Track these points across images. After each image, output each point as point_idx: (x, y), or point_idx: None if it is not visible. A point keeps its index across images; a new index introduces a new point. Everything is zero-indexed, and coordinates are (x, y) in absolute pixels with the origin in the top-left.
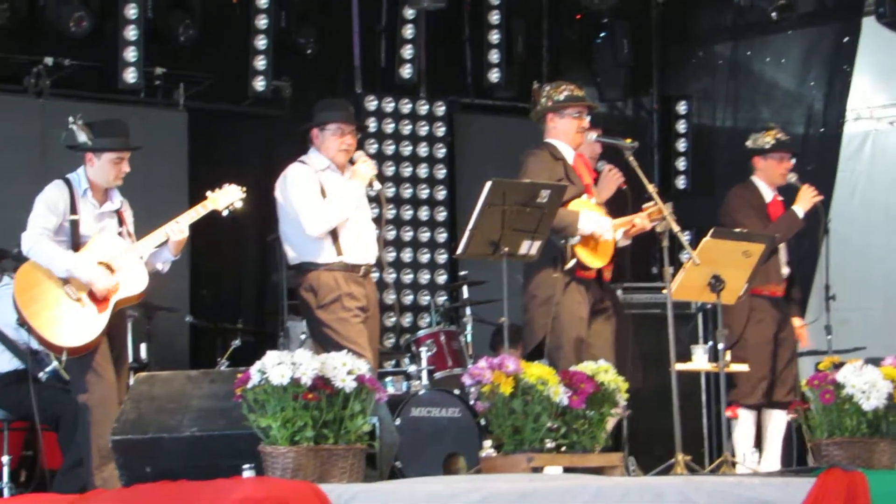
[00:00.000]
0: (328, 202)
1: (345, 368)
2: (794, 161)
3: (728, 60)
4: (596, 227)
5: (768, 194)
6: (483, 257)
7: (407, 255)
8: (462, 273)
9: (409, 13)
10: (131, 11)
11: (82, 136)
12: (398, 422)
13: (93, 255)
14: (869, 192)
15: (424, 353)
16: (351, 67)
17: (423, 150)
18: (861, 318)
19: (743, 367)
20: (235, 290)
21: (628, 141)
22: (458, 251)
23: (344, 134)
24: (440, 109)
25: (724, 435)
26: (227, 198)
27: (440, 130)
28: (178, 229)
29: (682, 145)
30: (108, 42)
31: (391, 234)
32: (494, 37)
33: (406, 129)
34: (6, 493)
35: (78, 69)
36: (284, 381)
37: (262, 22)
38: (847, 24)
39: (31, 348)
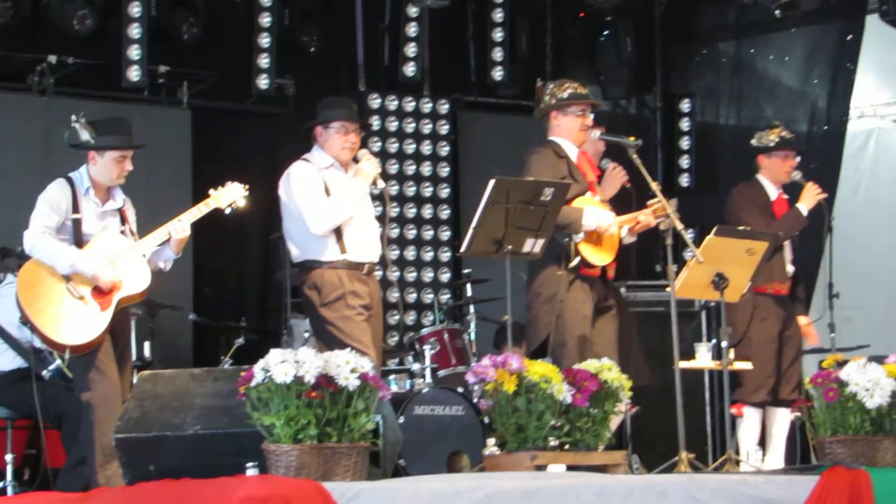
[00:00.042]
0: (332, 200)
1: (348, 366)
2: (798, 159)
3: (731, 58)
4: (600, 221)
5: (773, 192)
6: (486, 255)
7: (410, 254)
8: (465, 271)
9: (413, 11)
10: (135, 9)
11: (85, 135)
12: (402, 420)
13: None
14: (872, 190)
15: (428, 352)
16: (354, 65)
17: (426, 148)
18: (864, 316)
19: (746, 366)
20: (239, 288)
21: (632, 139)
22: (462, 249)
23: (348, 132)
24: (443, 107)
25: (728, 433)
26: (230, 196)
27: (444, 128)
28: (179, 227)
29: (685, 143)
30: (112, 40)
31: (395, 233)
32: (498, 35)
33: (409, 127)
34: (10, 491)
35: (81, 67)
36: (288, 380)
37: (265, 20)
38: (850, 21)
39: (34, 346)
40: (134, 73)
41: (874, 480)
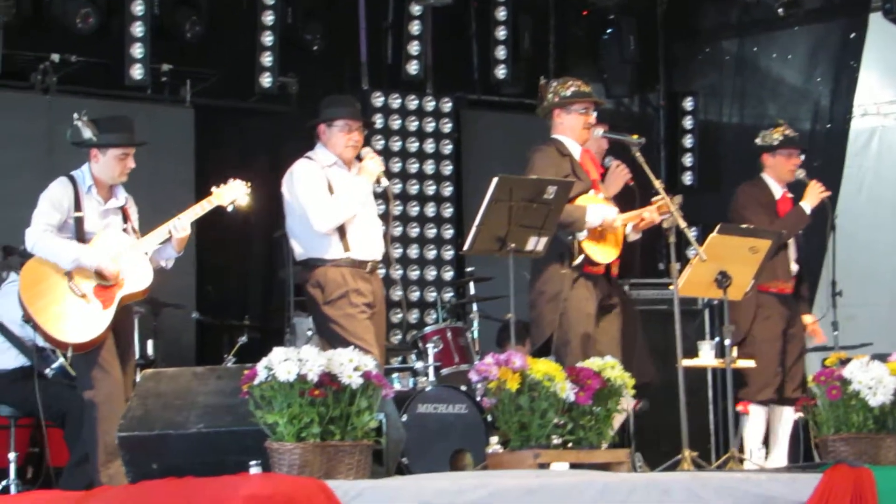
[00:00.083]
0: (336, 198)
1: (351, 365)
2: (802, 157)
3: (734, 57)
4: (604, 217)
5: (777, 191)
6: (489, 253)
7: (413, 252)
8: (468, 269)
9: (416, 9)
10: (138, 8)
11: (87, 133)
12: (405, 418)
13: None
14: (876, 188)
15: (431, 350)
16: (357, 64)
17: (429, 146)
18: (868, 315)
19: (749, 364)
20: (242, 286)
21: (635, 137)
22: (465, 247)
23: (351, 130)
24: (447, 106)
25: (731, 431)
26: (232, 193)
27: (446, 127)
28: (180, 226)
29: (688, 141)
30: (115, 38)
31: (398, 231)
32: (501, 33)
33: (412, 125)
34: (13, 489)
35: (84, 66)
36: (291, 378)
37: (268, 18)
38: (854, 19)
39: (36, 345)
40: (137, 72)
41: (877, 478)
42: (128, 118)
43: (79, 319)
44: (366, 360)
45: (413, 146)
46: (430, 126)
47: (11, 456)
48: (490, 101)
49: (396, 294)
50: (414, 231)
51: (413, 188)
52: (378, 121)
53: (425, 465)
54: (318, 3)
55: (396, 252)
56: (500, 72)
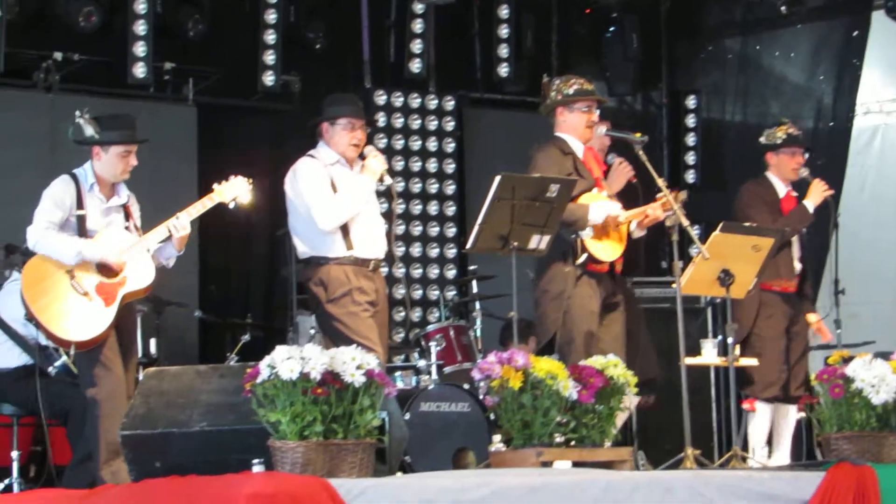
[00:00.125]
0: (340, 196)
1: (354, 363)
2: (807, 156)
3: (737, 55)
4: (608, 212)
5: (782, 190)
6: (492, 252)
7: (416, 250)
8: (471, 268)
9: (419, 8)
10: (140, 6)
11: (89, 130)
12: (407, 416)
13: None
14: (878, 187)
15: (434, 348)
16: (360, 62)
17: (432, 144)
18: (870, 313)
19: (752, 362)
20: (244, 284)
21: (638, 135)
22: (468, 246)
23: (354, 128)
24: (449, 104)
25: (734, 429)
26: (234, 190)
27: (449, 125)
28: (179, 225)
29: (691, 140)
30: (118, 37)
31: (400, 229)
32: (504, 31)
33: (415, 123)
34: (16, 488)
35: (87, 64)
36: (294, 376)
37: (271, 17)
38: (856, 18)
39: (39, 343)
40: (139, 70)
41: (880, 476)
42: (130, 116)
43: (81, 317)
44: (368, 359)
45: (416, 144)
46: (432, 124)
47: (14, 454)
48: (493, 99)
49: (399, 292)
50: (417, 229)
51: (416, 186)
52: (381, 119)
53: (428, 464)
54: (321, 1)
55: (399, 250)
56: (503, 70)
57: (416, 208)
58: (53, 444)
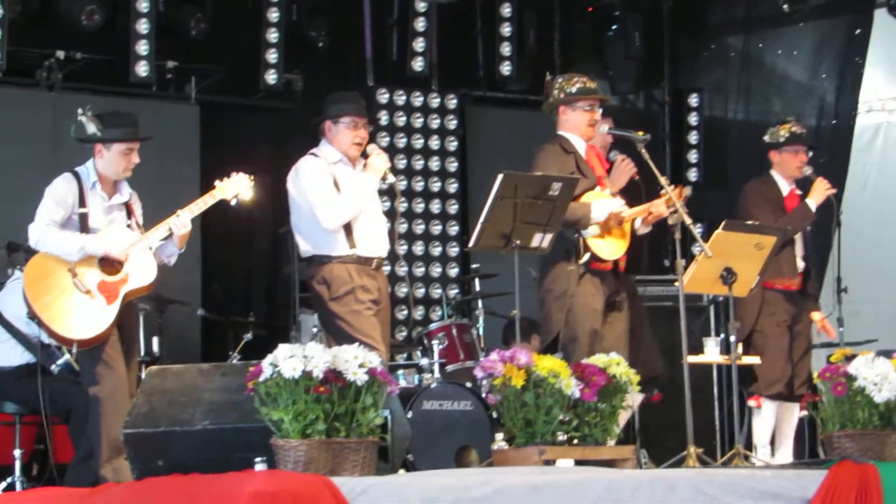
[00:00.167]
0: (344, 195)
1: (356, 361)
2: (810, 154)
3: (740, 53)
4: (611, 209)
5: (785, 188)
6: (495, 250)
7: (419, 248)
8: (474, 266)
9: (421, 6)
10: (143, 5)
11: (91, 128)
12: (410, 415)
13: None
14: (881, 185)
15: (436, 346)
16: (362, 60)
17: (434, 143)
18: (873, 311)
19: (755, 360)
20: (247, 283)
21: (640, 133)
22: (470, 244)
23: (357, 127)
24: (452, 102)
25: (737, 427)
26: (235, 187)
27: (452, 123)
28: (179, 223)
29: (693, 138)
30: (120, 35)
31: (403, 227)
32: (506, 30)
33: (418, 122)
34: (18, 486)
35: (89, 63)
36: (296, 375)
37: (273, 15)
38: (859, 16)
39: (41, 341)
40: (142, 69)
41: (882, 475)
42: (132, 113)
43: (83, 315)
44: (371, 357)
45: (418, 143)
46: (435, 123)
47: (17, 453)
48: (495, 97)
49: (402, 291)
50: (419, 228)
51: (418, 185)
52: (383, 117)
53: (430, 462)
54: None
55: (402, 249)
56: (505, 68)
57: (419, 207)
58: (56, 442)
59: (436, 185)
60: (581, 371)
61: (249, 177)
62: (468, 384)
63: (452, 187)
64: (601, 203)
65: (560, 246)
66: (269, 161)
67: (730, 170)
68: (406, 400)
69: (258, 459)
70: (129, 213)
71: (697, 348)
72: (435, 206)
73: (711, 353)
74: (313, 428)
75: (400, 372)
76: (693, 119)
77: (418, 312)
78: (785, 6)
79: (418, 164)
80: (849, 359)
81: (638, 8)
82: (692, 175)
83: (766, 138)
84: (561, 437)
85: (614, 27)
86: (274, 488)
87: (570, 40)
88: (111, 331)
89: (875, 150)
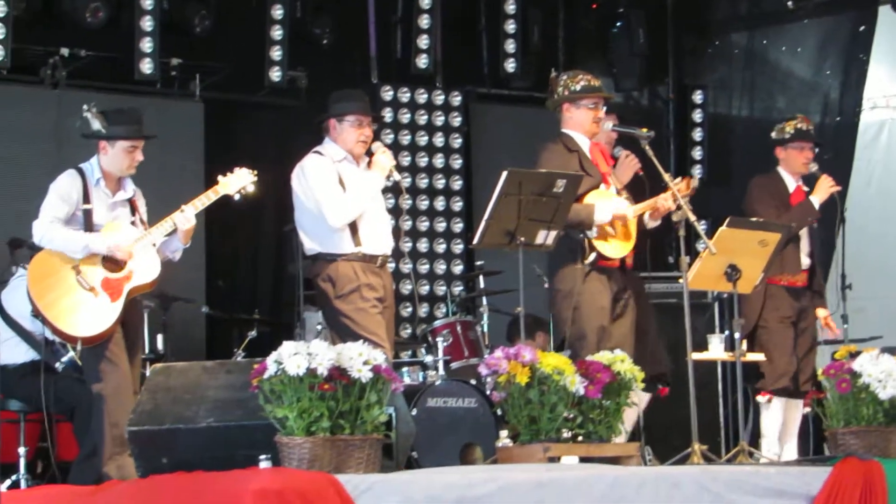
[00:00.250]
0: (349, 193)
1: (361, 359)
2: (817, 150)
3: (744, 49)
4: (614, 211)
5: (792, 184)
6: (499, 247)
7: (423, 245)
8: (478, 263)
9: (425, 3)
10: (147, 2)
11: (96, 124)
12: (414, 412)
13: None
14: (885, 181)
15: (441, 344)
16: (367, 58)
17: (439, 140)
18: (877, 308)
19: (759, 357)
20: (251, 280)
21: (644, 130)
22: (475, 241)
23: (362, 125)
24: (456, 99)
25: (741, 424)
26: (239, 182)
27: (456, 120)
28: (183, 218)
29: (697, 135)
30: (124, 33)
31: (407, 224)
32: (510, 26)
33: (422, 119)
34: (23, 484)
35: (94, 60)
36: (301, 372)
37: (277, 12)
38: (863, 12)
39: (46, 339)
40: (146, 66)
41: (887, 471)
42: (137, 110)
43: (88, 313)
44: (375, 354)
45: (422, 140)
46: (439, 120)
47: (21, 450)
48: (499, 94)
49: (406, 288)
50: (423, 225)
51: (423, 182)
52: (387, 115)
53: (435, 459)
54: None
55: (406, 246)
56: (510, 65)
57: (423, 204)
58: (60, 439)
59: (440, 182)
60: (585, 368)
61: (252, 171)
62: (472, 381)
63: (457, 184)
64: (605, 204)
65: (566, 246)
66: (274, 158)
67: (734, 166)
68: (410, 397)
69: (262, 457)
70: (133, 210)
71: (702, 345)
72: (439, 203)
73: (716, 349)
74: (318, 425)
75: (404, 369)
76: (697, 116)
77: (423, 309)
78: (789, 3)
79: (422, 161)
80: (853, 355)
81: (642, 4)
82: (696, 172)
83: (773, 135)
84: (565, 434)
85: (618, 24)
86: (278, 486)
87: (575, 37)
88: (115, 328)
89: (879, 147)
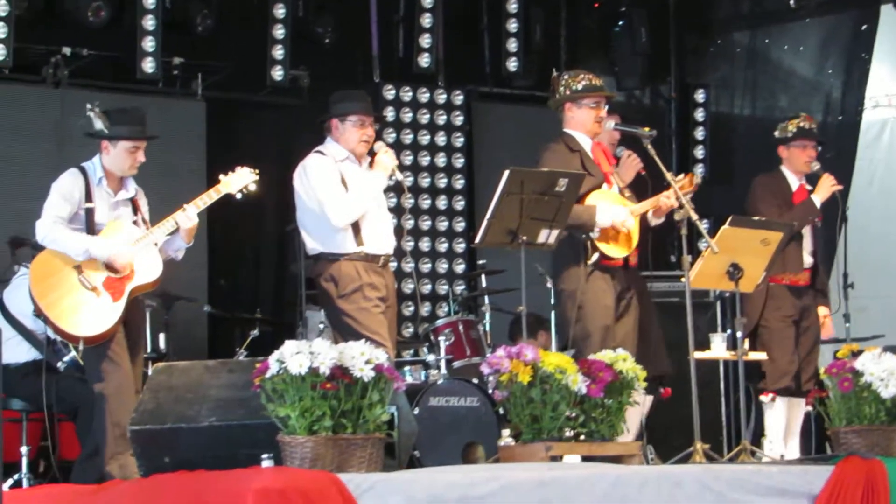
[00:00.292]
0: (352, 193)
1: (363, 358)
2: (819, 149)
3: (746, 48)
4: (614, 218)
5: (795, 183)
6: (501, 246)
7: (425, 245)
8: (480, 262)
9: (427, 2)
10: (149, 1)
11: (99, 124)
12: (416, 411)
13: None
14: (887, 180)
15: (443, 343)
16: (369, 57)
17: (441, 139)
18: (879, 306)
19: (761, 356)
20: (254, 279)
21: (646, 129)
22: (477, 240)
23: (364, 125)
24: (458, 98)
25: (743, 423)
26: (241, 181)
27: (458, 119)
28: (185, 217)
29: (699, 134)
30: (126, 32)
31: (409, 224)
32: (512, 25)
33: (424, 118)
34: (25, 483)
35: (96, 59)
36: (303, 371)
37: (279, 11)
38: (865, 11)
39: (48, 338)
40: (148, 65)
41: (889, 470)
42: (140, 110)
43: (90, 312)
44: (377, 353)
45: (424, 139)
46: (441, 119)
47: (23, 450)
48: (501, 93)
49: (408, 287)
50: (425, 224)
51: (425, 181)
52: (389, 114)
53: (437, 458)
54: None
55: (408, 245)
56: (512, 64)
57: (425, 203)
58: (62, 439)
59: (442, 182)
60: (588, 367)
61: (254, 171)
62: (475, 380)
63: (459, 183)
64: (607, 209)
65: (569, 246)
66: (276, 157)
67: (736, 165)
68: (412, 396)
69: (265, 456)
70: (135, 209)
71: (704, 344)
72: (441, 203)
73: (718, 348)
74: (320, 424)
75: (406, 368)
76: (699, 115)
77: (425, 309)
78: (791, 2)
79: (424, 160)
80: (855, 354)
81: (644, 4)
82: (698, 171)
83: (776, 133)
84: (567, 433)
85: (620, 23)
86: (280, 485)
87: (577, 36)
88: (117, 328)
89: (881, 146)
